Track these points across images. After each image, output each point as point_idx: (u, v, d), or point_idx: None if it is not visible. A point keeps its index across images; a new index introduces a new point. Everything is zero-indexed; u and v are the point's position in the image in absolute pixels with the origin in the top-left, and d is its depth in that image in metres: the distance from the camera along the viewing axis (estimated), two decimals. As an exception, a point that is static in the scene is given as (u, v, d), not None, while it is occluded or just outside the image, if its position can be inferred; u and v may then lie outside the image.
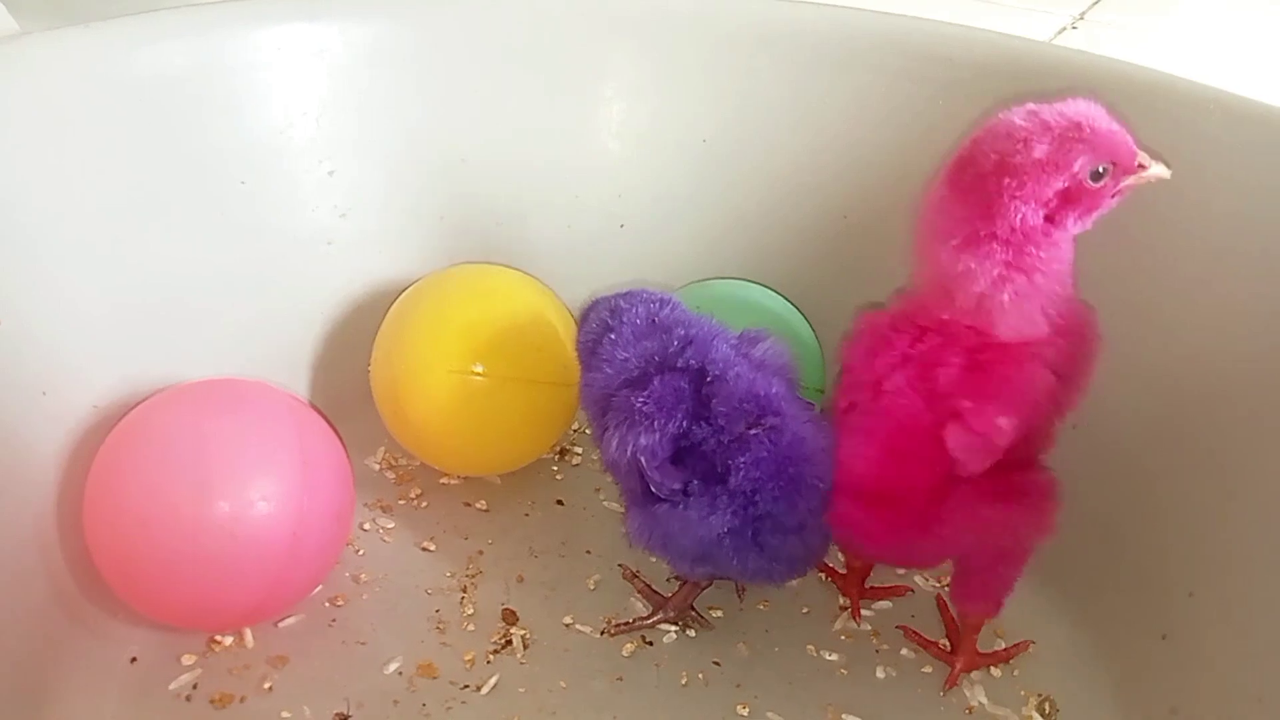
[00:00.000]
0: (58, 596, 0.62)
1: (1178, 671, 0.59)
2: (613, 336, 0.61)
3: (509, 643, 0.66)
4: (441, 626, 0.67)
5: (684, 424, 0.57)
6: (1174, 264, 0.64)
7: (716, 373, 0.59)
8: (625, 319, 0.62)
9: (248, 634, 0.66)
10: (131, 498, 0.59)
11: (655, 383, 0.58)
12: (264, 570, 0.61)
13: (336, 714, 0.62)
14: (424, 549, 0.73)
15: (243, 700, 0.62)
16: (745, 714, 0.62)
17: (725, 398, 0.58)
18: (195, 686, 0.63)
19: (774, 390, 0.59)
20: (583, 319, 0.65)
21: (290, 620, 0.67)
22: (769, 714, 0.62)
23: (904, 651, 0.67)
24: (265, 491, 0.60)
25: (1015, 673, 0.66)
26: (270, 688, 0.63)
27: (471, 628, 0.67)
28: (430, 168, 0.80)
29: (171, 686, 0.63)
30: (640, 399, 0.58)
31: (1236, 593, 0.56)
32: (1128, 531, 0.66)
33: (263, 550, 0.60)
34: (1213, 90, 0.65)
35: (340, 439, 0.67)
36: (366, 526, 0.74)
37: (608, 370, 0.61)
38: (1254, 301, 0.60)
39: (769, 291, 0.79)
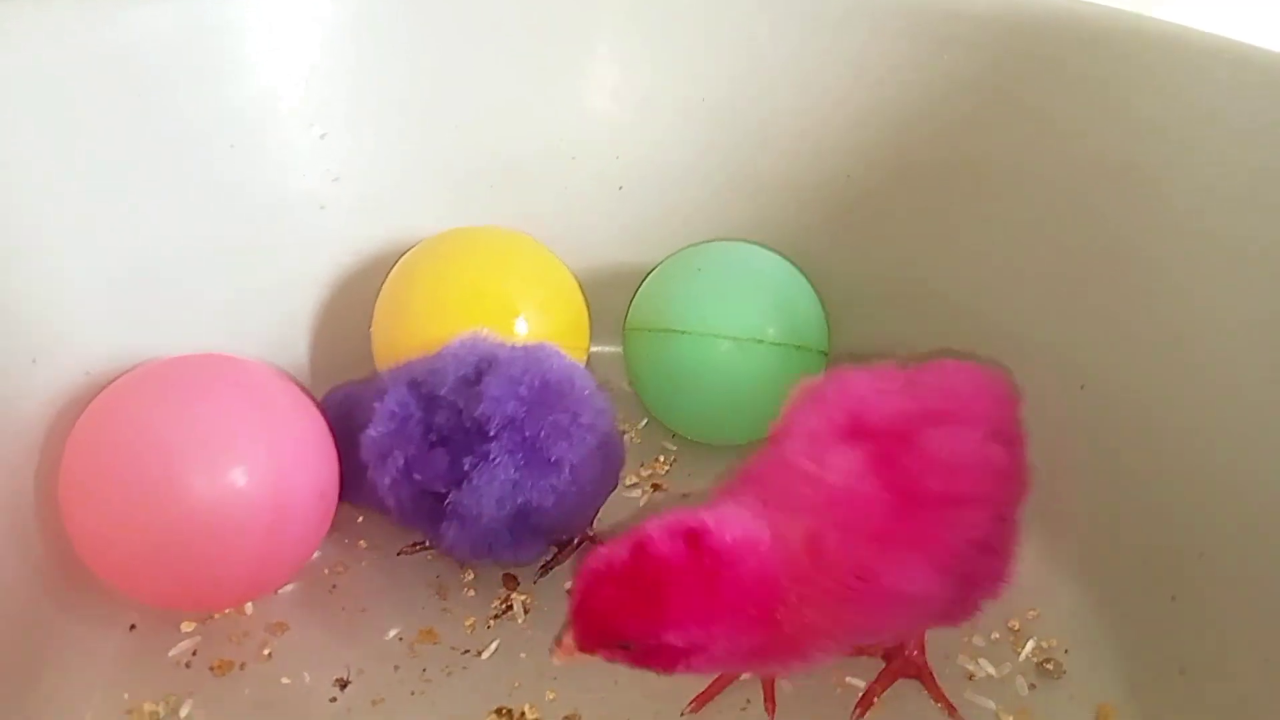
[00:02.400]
0: (53, 566, 0.61)
1: (1186, 633, 0.58)
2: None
3: (509, 608, 0.66)
4: (442, 592, 0.67)
5: (422, 421, 0.61)
6: (1187, 218, 0.63)
7: (422, 373, 0.63)
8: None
9: (247, 602, 0.65)
10: (106, 483, 0.57)
11: (377, 407, 0.61)
12: (246, 552, 0.59)
13: (337, 680, 0.61)
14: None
15: (243, 667, 0.62)
16: (747, 678, 0.61)
17: (440, 380, 0.61)
18: (195, 653, 0.63)
19: (480, 346, 0.64)
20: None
21: (290, 587, 0.67)
22: (779, 682, 0.61)
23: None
24: (244, 471, 0.58)
25: (1017, 635, 0.65)
26: (270, 654, 0.63)
27: (472, 593, 0.67)
28: (424, 130, 0.78)
29: (171, 654, 0.62)
30: (374, 428, 0.61)
31: (1248, 554, 0.55)
32: (1136, 491, 0.65)
33: (243, 532, 0.58)
34: (1224, 40, 0.63)
35: (324, 411, 0.66)
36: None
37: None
38: (1270, 254, 0.59)
39: (770, 253, 0.78)
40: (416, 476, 0.60)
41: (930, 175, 0.76)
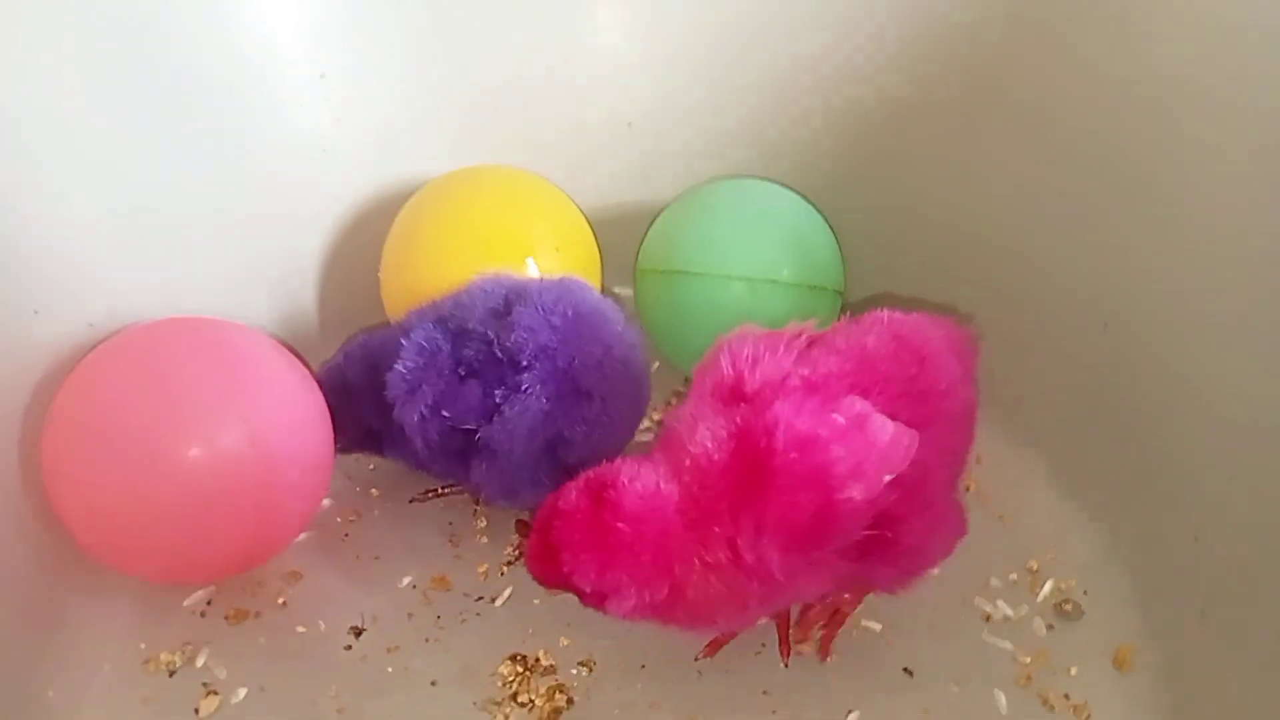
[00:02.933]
0: (58, 523, 0.61)
1: (1208, 573, 0.57)
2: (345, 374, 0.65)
3: (522, 554, 0.66)
4: (455, 539, 0.67)
5: (451, 354, 0.59)
6: (1207, 156, 0.60)
7: (449, 309, 0.62)
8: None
9: (260, 550, 0.65)
10: (90, 456, 0.56)
11: (404, 343, 0.60)
12: (241, 522, 0.57)
13: (351, 628, 0.62)
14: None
15: (258, 616, 0.62)
16: (765, 622, 0.61)
17: (469, 313, 0.60)
18: (210, 603, 0.63)
19: (507, 280, 0.63)
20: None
21: (303, 537, 0.66)
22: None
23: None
24: (232, 439, 0.56)
25: (1035, 575, 0.64)
26: (284, 603, 0.63)
27: (485, 540, 0.67)
28: (428, 67, 0.76)
29: (186, 603, 0.63)
30: (402, 363, 0.60)
31: (1272, 495, 0.54)
32: (1158, 431, 0.63)
33: (236, 501, 0.56)
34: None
35: (313, 373, 0.65)
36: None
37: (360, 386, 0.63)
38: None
39: (784, 190, 0.76)
40: (445, 413, 0.59)
41: (949, 108, 0.73)
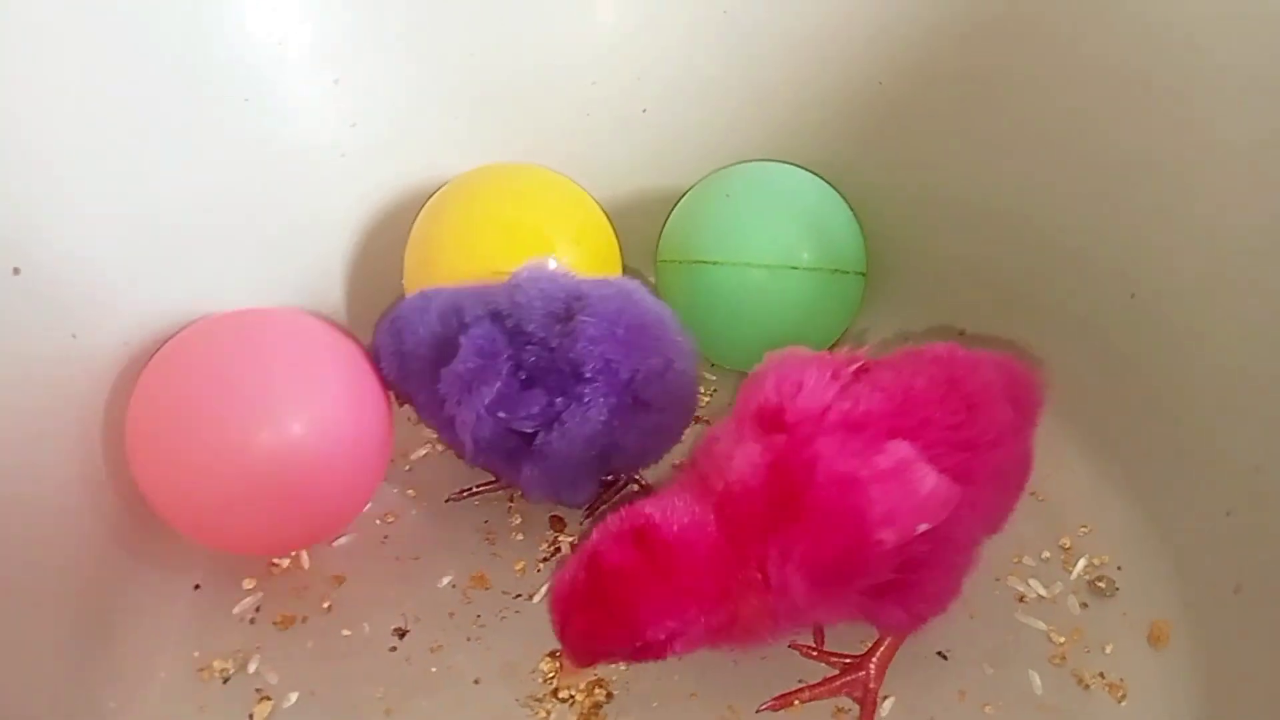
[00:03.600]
0: (115, 533, 0.63)
1: (1243, 548, 0.57)
2: (402, 339, 0.63)
3: (558, 550, 0.67)
4: (491, 537, 0.68)
5: (511, 358, 0.59)
6: (1228, 122, 0.59)
7: (504, 305, 0.60)
8: (403, 321, 0.64)
9: (304, 556, 0.67)
10: (173, 435, 0.59)
11: (463, 341, 0.59)
12: (311, 497, 0.61)
13: (395, 629, 0.63)
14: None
15: (305, 620, 0.64)
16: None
17: (528, 315, 0.59)
18: (258, 609, 0.64)
19: (564, 280, 0.62)
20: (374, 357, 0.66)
21: (344, 540, 0.68)
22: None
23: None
24: (306, 419, 0.60)
25: (1068, 553, 0.64)
26: (329, 607, 0.64)
27: (520, 536, 0.68)
28: (436, 66, 0.76)
29: (235, 610, 0.64)
30: (460, 363, 0.59)
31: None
32: (1190, 403, 0.63)
33: (308, 477, 0.60)
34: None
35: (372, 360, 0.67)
36: (413, 440, 0.74)
37: (423, 358, 0.62)
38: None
39: (802, 172, 0.76)
40: (502, 415, 0.59)
41: (968, 83, 0.72)
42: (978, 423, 0.50)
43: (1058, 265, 0.71)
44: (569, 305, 0.60)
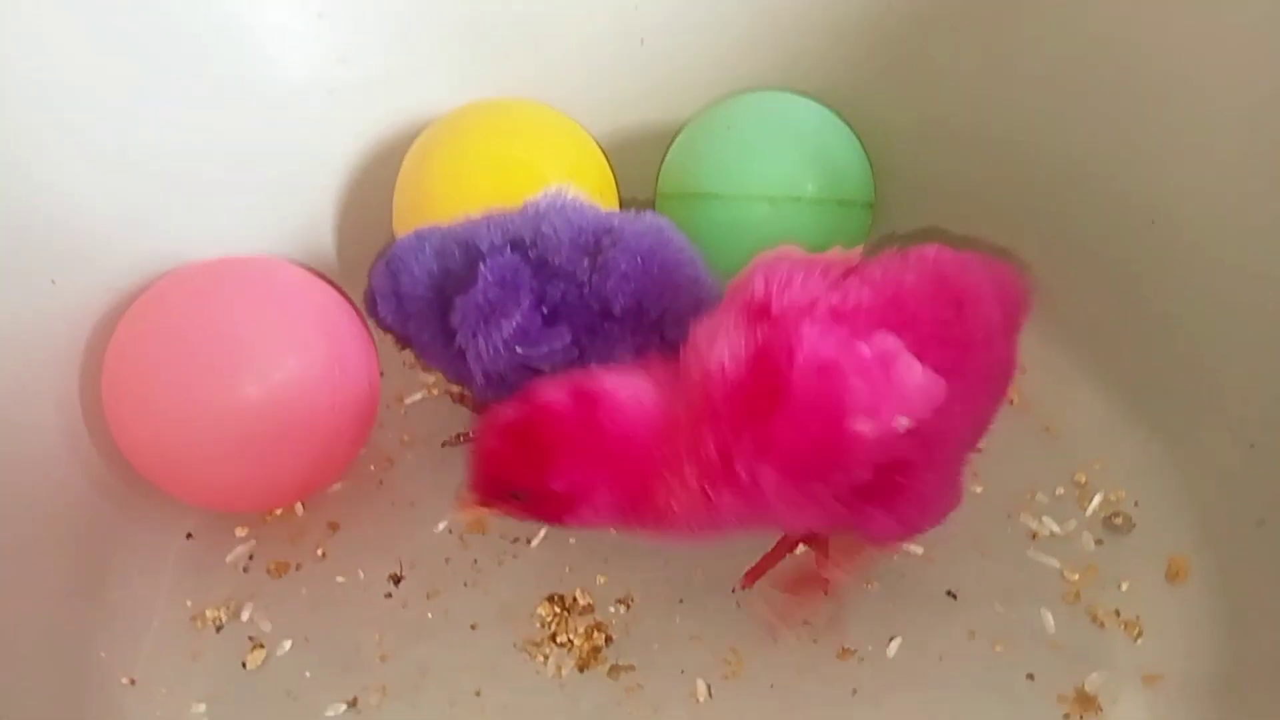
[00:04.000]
0: (101, 485, 0.61)
1: (1266, 482, 0.55)
2: (398, 281, 0.59)
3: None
4: (488, 482, 0.66)
5: (534, 291, 0.55)
6: (1247, 44, 0.56)
7: (527, 235, 0.57)
8: (399, 263, 0.60)
9: (297, 504, 0.65)
10: (149, 389, 0.57)
11: (482, 270, 0.55)
12: (297, 451, 0.59)
13: (390, 575, 0.62)
14: (465, 403, 0.71)
15: (299, 568, 0.63)
16: (804, 550, 0.60)
17: (554, 246, 0.56)
18: (251, 557, 0.63)
19: (590, 211, 0.58)
20: (370, 302, 0.63)
21: (338, 486, 0.67)
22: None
23: (972, 475, 0.63)
24: (290, 371, 0.57)
25: (1083, 489, 0.62)
26: (324, 554, 0.63)
27: (518, 480, 0.66)
28: (427, -2, 0.73)
29: (228, 559, 0.63)
30: (480, 292, 0.55)
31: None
32: (1208, 333, 0.60)
33: (293, 431, 0.58)
34: None
35: (355, 306, 0.65)
36: (408, 384, 0.73)
37: (422, 299, 0.59)
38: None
39: (807, 101, 0.73)
40: (520, 350, 0.56)
41: (978, 5, 0.68)
42: (966, 320, 0.48)
43: (1075, 192, 0.68)
44: (598, 238, 0.56)
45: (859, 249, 0.51)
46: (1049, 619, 0.56)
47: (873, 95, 0.74)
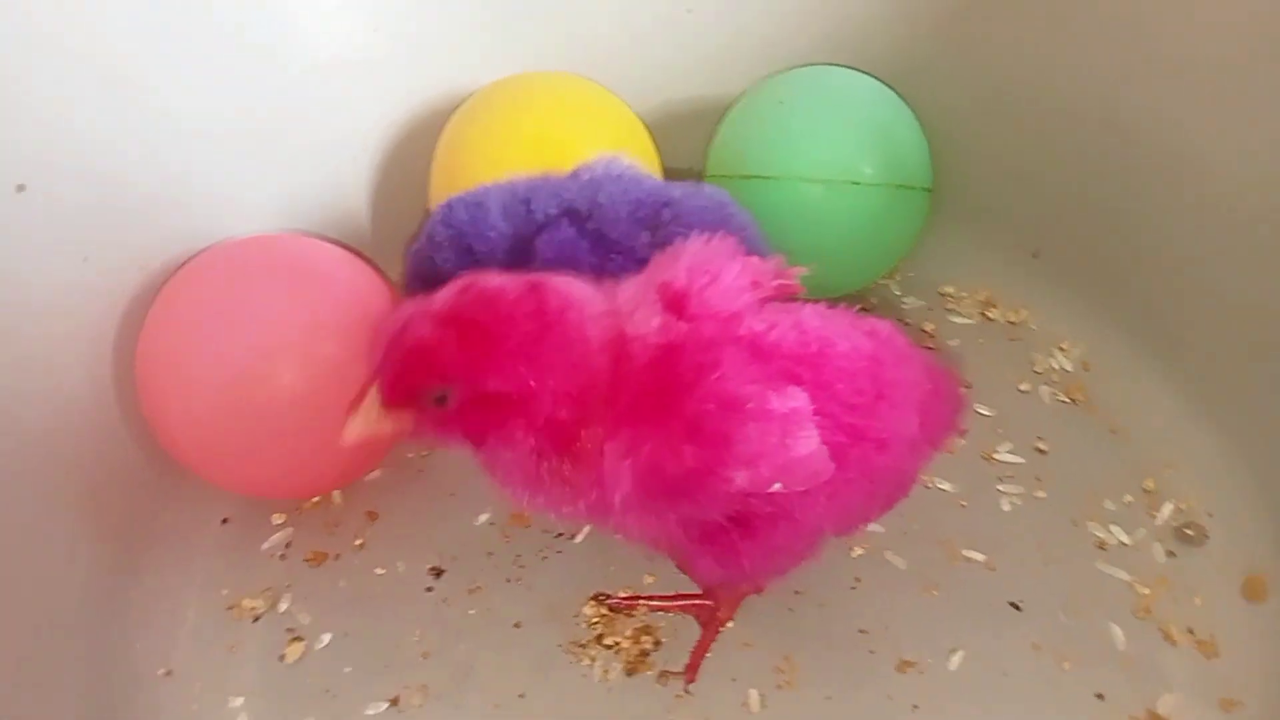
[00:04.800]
0: (135, 467, 0.60)
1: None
2: (478, 240, 0.55)
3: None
4: (530, 473, 0.64)
5: (594, 267, 0.52)
6: None
7: (582, 204, 0.54)
8: (468, 237, 0.55)
9: (335, 491, 0.64)
10: (187, 368, 0.55)
11: (539, 245, 0.53)
12: (335, 437, 0.57)
13: (431, 568, 0.60)
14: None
15: (337, 558, 0.61)
16: (859, 554, 0.58)
17: (611, 218, 0.53)
18: (288, 545, 0.62)
19: (648, 182, 0.55)
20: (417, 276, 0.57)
21: (376, 474, 0.65)
22: (886, 554, 0.58)
23: (1035, 479, 0.61)
24: (330, 353, 0.55)
25: (1152, 497, 0.60)
26: (362, 544, 0.62)
27: (561, 473, 0.64)
28: (468, -36, 0.70)
29: (264, 546, 0.62)
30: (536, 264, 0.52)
31: None
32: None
33: (332, 416, 0.56)
34: None
35: (391, 285, 0.62)
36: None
37: (500, 261, 0.54)
38: None
39: (865, 77, 0.69)
40: None
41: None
42: (877, 416, 0.44)
43: (1147, 179, 0.64)
44: (657, 211, 0.53)
45: (801, 268, 0.47)
46: (1118, 634, 0.54)
47: (933, 72, 0.71)
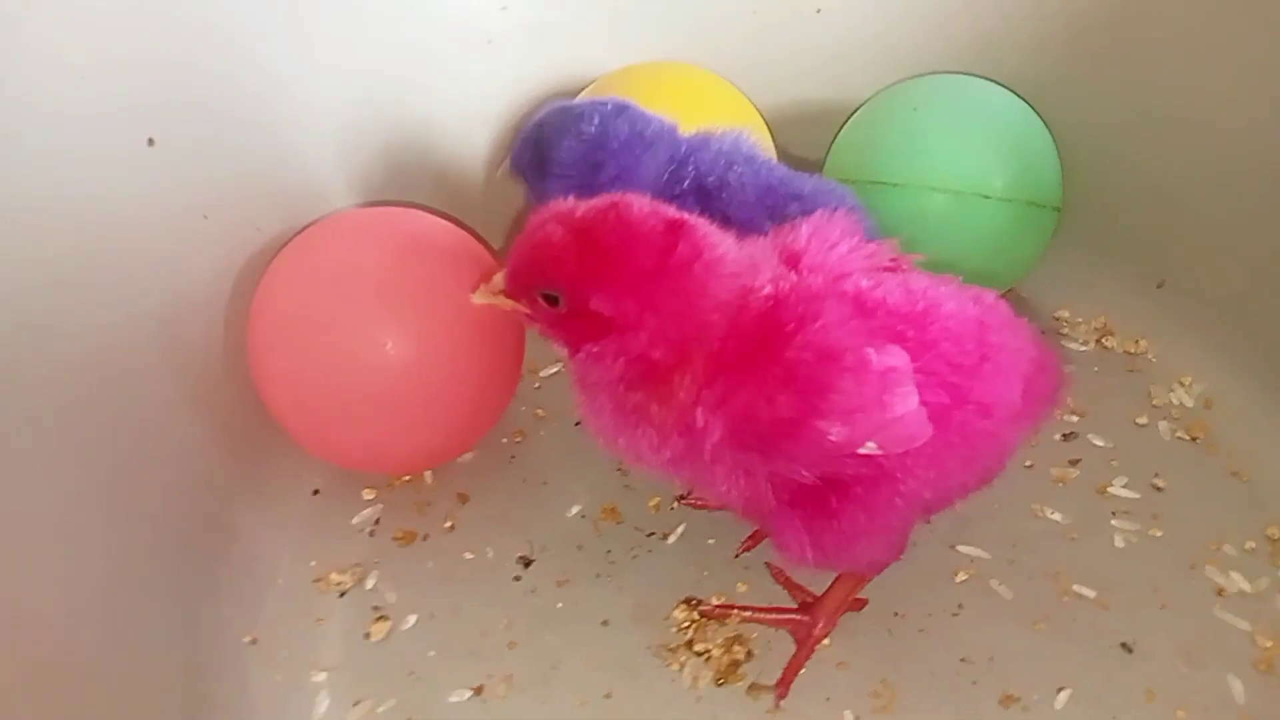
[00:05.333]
0: (233, 429, 0.60)
1: None
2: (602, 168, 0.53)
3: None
4: (623, 468, 0.63)
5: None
6: None
7: (709, 180, 0.53)
8: (607, 128, 0.54)
9: (427, 471, 0.63)
10: (292, 338, 0.55)
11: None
12: (439, 415, 0.57)
13: (520, 557, 0.59)
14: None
15: (426, 538, 0.60)
16: (964, 580, 0.56)
17: (741, 203, 0.52)
18: (378, 522, 0.61)
19: (779, 171, 0.54)
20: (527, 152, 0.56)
21: (468, 456, 0.64)
22: (991, 582, 0.56)
23: (1151, 516, 0.59)
24: (442, 329, 0.55)
25: (1276, 545, 0.57)
26: (451, 526, 0.61)
27: (656, 470, 0.63)
28: (597, -53, 0.69)
29: (354, 521, 0.61)
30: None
31: None
32: None
33: (439, 393, 0.56)
34: None
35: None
36: (543, 357, 0.70)
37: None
38: None
39: (999, 89, 0.67)
40: None
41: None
42: (982, 378, 0.43)
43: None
44: (786, 202, 0.52)
45: (920, 255, 0.47)
46: (1237, 687, 0.51)
47: (1068, 87, 0.68)
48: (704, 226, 0.42)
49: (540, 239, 0.42)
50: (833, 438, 0.41)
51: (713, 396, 0.41)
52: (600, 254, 0.41)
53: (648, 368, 0.42)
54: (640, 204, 0.42)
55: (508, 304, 0.44)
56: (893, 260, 0.46)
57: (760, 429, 0.41)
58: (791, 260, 0.43)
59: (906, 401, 0.41)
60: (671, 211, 0.42)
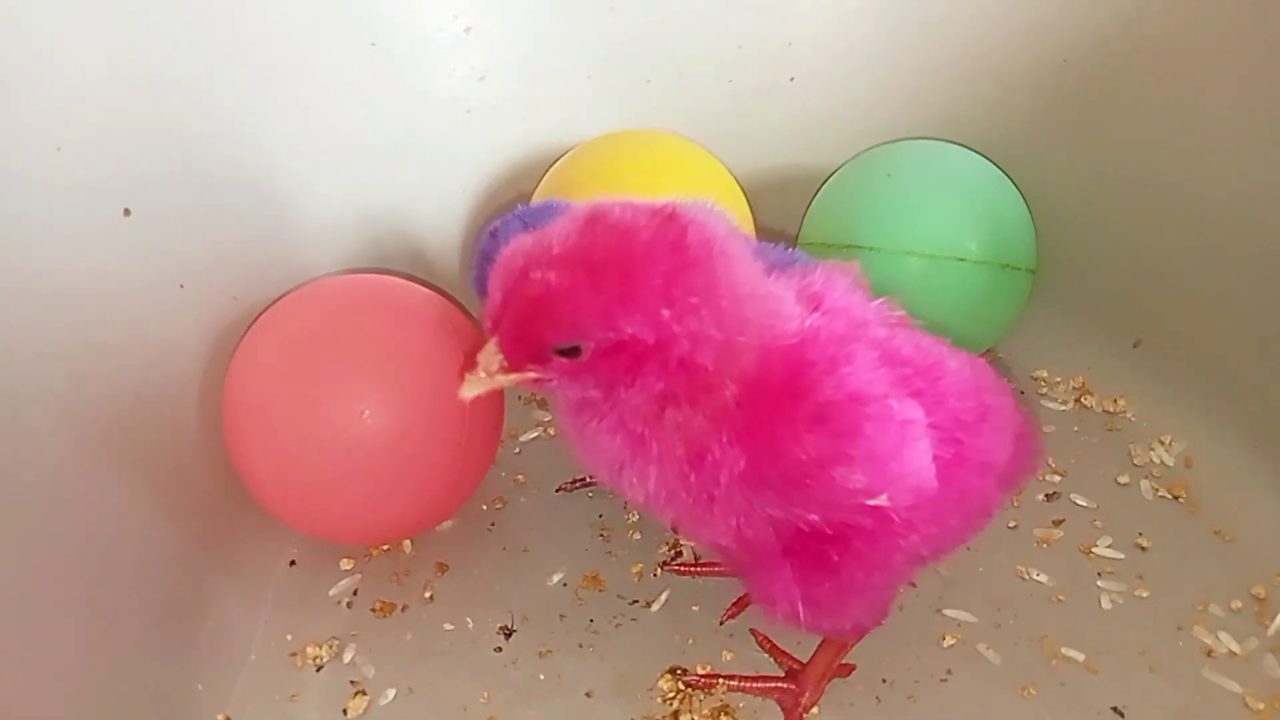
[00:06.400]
0: (207, 499, 0.59)
1: None
2: None
3: (679, 554, 0.61)
4: (606, 534, 0.62)
5: None
6: None
7: None
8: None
9: (406, 540, 0.62)
10: (268, 408, 0.54)
11: None
12: (418, 485, 0.56)
13: (501, 627, 0.58)
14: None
15: (405, 609, 0.59)
16: (951, 644, 0.55)
17: None
18: (355, 593, 0.60)
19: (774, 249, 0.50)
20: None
21: (448, 525, 0.63)
22: (979, 646, 0.55)
23: (1137, 577, 0.58)
24: (421, 399, 0.54)
25: (1263, 604, 0.57)
26: (431, 597, 0.60)
27: (637, 535, 0.62)
28: (575, 20, 0.70)
29: (331, 592, 0.60)
30: None
31: None
32: None
33: (417, 463, 0.55)
34: None
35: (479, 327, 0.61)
36: (523, 422, 0.69)
37: None
38: None
39: (971, 154, 0.68)
40: None
41: (1167, 54, 0.63)
42: (982, 436, 0.44)
43: (1262, 273, 0.62)
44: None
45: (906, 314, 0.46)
46: (1230, 752, 0.51)
47: (1039, 153, 0.70)
48: (695, 210, 0.39)
49: (539, 291, 0.36)
50: (853, 484, 0.40)
51: (739, 429, 0.40)
52: (615, 275, 0.36)
53: (690, 377, 0.38)
54: (618, 206, 0.37)
55: (509, 380, 0.38)
56: (898, 317, 0.45)
57: (784, 466, 0.40)
58: (814, 302, 0.42)
59: (922, 455, 0.41)
60: (655, 202, 0.38)
